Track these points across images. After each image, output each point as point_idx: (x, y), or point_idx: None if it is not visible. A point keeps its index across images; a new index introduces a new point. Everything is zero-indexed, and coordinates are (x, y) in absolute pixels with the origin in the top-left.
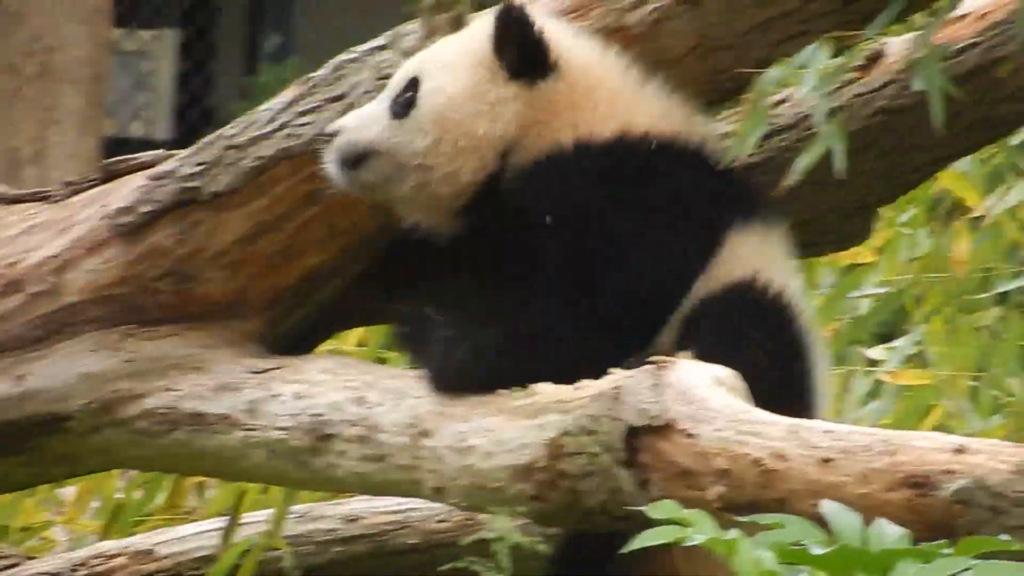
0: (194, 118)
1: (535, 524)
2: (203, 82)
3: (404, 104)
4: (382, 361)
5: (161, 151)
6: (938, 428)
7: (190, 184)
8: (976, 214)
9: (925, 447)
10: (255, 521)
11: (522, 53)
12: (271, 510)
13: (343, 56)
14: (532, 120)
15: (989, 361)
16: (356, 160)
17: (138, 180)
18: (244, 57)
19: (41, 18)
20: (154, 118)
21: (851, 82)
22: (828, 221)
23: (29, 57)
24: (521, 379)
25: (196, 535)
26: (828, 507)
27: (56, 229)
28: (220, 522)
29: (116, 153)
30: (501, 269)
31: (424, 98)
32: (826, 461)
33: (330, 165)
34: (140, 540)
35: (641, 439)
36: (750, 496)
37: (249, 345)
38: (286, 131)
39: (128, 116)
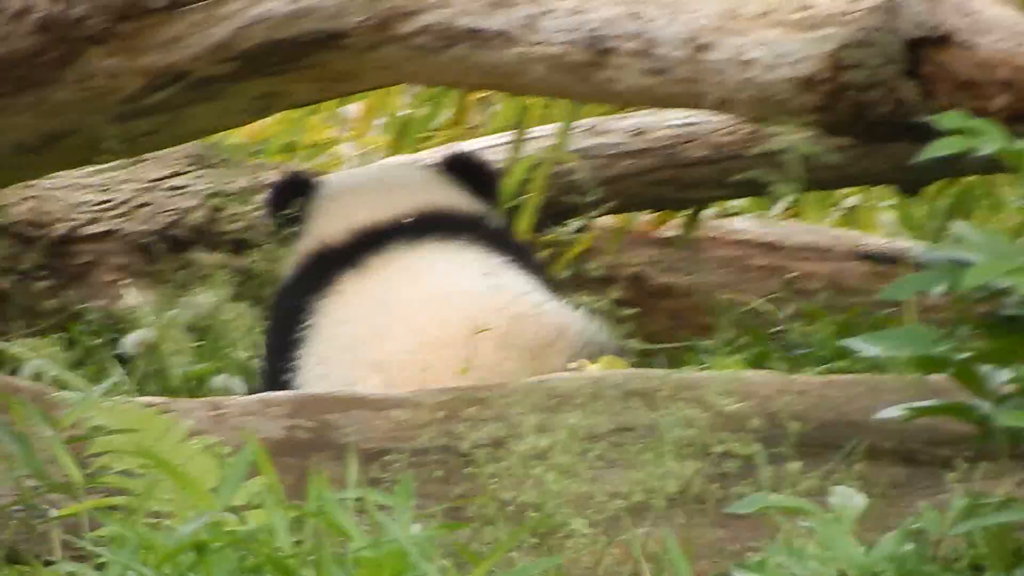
0: None
1: (821, 135)
2: None
3: None
4: None
5: None
6: None
7: None
8: None
9: None
10: (540, 136)
11: None
12: (556, 124)
13: None
14: None
15: None
16: None
17: None
18: None
19: None
20: None
21: None
22: None
23: None
24: None
25: (484, 149)
26: None
27: None
28: (506, 136)
29: None
30: None
31: None
32: None
33: None
34: (428, 156)
35: (921, 50)
36: None
37: None
38: None
39: None
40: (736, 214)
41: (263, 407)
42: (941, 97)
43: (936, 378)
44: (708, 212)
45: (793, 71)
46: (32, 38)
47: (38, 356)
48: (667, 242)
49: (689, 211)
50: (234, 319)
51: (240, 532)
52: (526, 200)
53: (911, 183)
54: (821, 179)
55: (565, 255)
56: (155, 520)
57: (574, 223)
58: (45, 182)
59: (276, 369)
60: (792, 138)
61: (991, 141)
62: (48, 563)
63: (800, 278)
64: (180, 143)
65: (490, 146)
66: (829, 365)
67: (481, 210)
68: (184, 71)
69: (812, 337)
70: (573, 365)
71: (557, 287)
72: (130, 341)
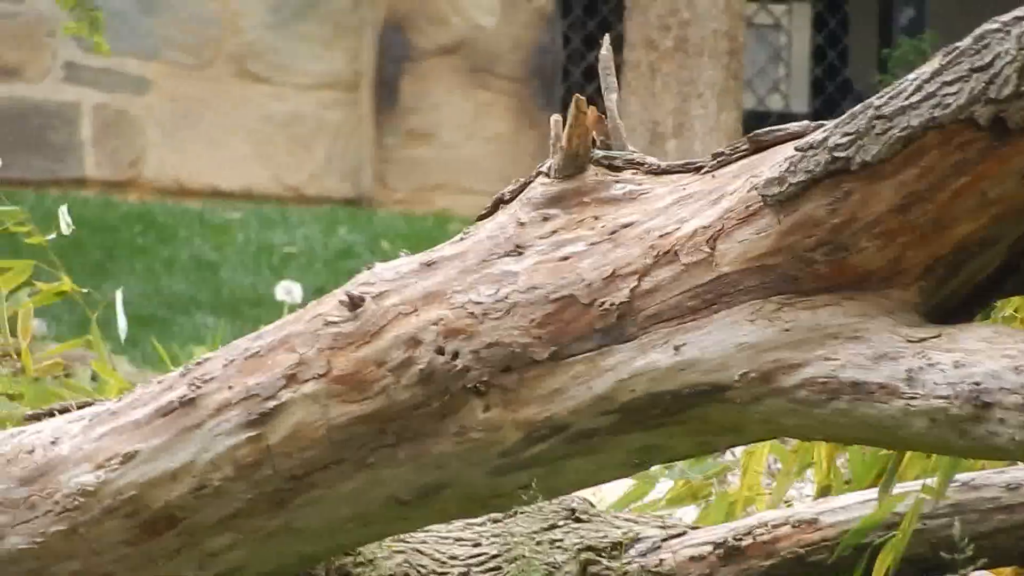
0: (830, 90)
1: None
2: (838, 55)
3: None
4: None
5: (808, 122)
6: None
7: (840, 154)
8: None
9: None
10: (911, 490)
11: None
12: (921, 481)
13: (986, 26)
14: None
15: None
16: None
17: (787, 151)
18: (878, 30)
19: None
20: (791, 91)
21: None
22: None
23: (666, 31)
24: None
25: (860, 504)
26: None
27: (707, 200)
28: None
29: (755, 126)
30: None
31: None
32: None
33: None
34: (803, 509)
35: None
36: None
37: (904, 315)
38: (933, 101)
39: (765, 89)
40: None
41: None
42: None
43: None
44: None
45: None
46: (413, 390)
47: None
48: None
49: None
50: None
51: None
52: (887, 549)
53: None
54: None
55: None
56: None
57: None
58: (416, 536)
59: None
60: None
61: None
62: None
63: None
64: (554, 497)
65: (867, 500)
66: None
67: None
68: (564, 424)
69: None
70: None
71: None
72: None
